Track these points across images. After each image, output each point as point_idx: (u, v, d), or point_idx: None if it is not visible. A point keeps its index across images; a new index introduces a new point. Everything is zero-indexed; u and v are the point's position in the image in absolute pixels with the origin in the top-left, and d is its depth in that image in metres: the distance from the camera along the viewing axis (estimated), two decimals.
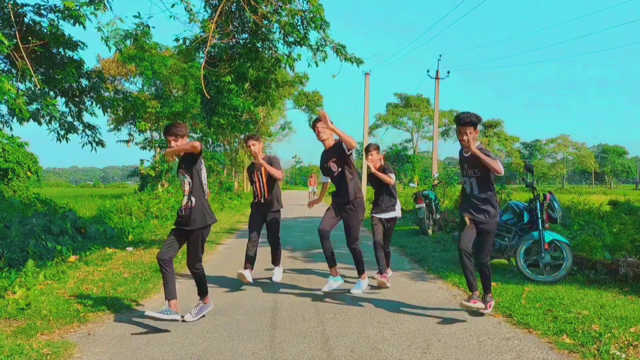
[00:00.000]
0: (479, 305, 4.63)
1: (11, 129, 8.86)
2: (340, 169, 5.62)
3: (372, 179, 6.44)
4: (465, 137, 4.58)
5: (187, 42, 8.41)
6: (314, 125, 5.69)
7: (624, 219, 10.72)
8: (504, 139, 66.65)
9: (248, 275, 6.11)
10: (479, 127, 4.73)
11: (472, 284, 4.75)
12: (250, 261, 6.25)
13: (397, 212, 6.39)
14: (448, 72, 27.90)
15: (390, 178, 6.29)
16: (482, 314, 4.90)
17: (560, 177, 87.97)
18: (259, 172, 6.30)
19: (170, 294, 4.60)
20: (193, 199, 4.59)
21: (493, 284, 6.08)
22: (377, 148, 6.48)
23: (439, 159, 34.80)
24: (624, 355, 3.72)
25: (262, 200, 6.28)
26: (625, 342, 3.96)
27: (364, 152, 6.67)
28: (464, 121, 4.56)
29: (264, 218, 6.36)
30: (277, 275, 6.45)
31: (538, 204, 6.60)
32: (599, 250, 7.28)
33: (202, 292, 4.93)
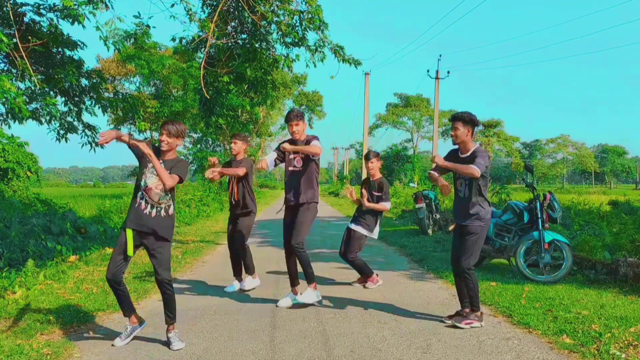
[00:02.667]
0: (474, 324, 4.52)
1: (9, 126, 8.86)
2: (303, 167, 5.22)
3: (367, 188, 6.25)
4: (453, 133, 4.56)
5: (185, 42, 8.40)
6: (288, 120, 5.22)
7: (624, 219, 10.72)
8: (504, 139, 66.68)
9: (240, 285, 6.11)
10: (478, 128, 4.67)
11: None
12: (237, 272, 6.16)
13: (366, 231, 6.17)
14: (448, 72, 28.00)
15: (385, 206, 6.14)
16: (484, 317, 4.89)
17: (560, 177, 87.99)
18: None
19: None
20: (170, 206, 4.13)
21: (493, 283, 6.09)
22: (377, 155, 6.31)
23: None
24: (624, 355, 3.72)
25: (233, 202, 6.03)
26: (625, 342, 3.96)
27: (363, 159, 6.47)
28: (453, 116, 4.59)
29: (235, 221, 6.07)
30: (237, 285, 6.10)
31: (538, 204, 6.60)
32: (599, 250, 7.28)
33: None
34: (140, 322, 4.29)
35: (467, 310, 4.58)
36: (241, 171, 5.87)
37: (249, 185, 6.05)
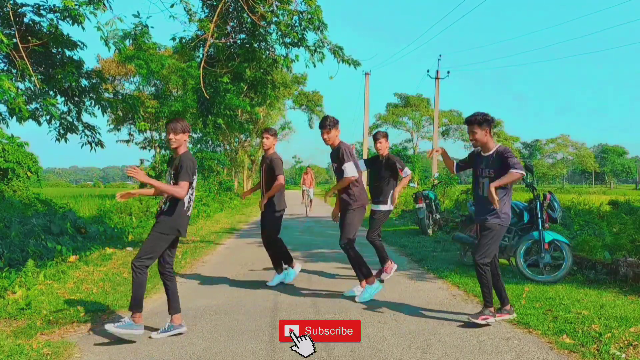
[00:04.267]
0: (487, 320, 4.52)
1: (7, 125, 8.85)
2: (338, 176, 5.57)
3: (373, 169, 6.39)
4: (471, 137, 4.60)
5: (184, 42, 8.41)
6: (321, 127, 5.56)
7: (624, 219, 10.72)
8: (504, 139, 66.66)
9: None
10: (493, 124, 4.63)
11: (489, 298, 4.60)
12: (277, 264, 6.37)
13: (387, 207, 6.29)
14: (448, 72, 28.02)
15: (407, 177, 6.40)
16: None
17: (560, 177, 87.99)
18: (262, 167, 6.28)
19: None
20: (168, 204, 4.38)
21: None
22: (386, 136, 6.43)
23: (439, 159, 34.78)
24: (624, 355, 3.72)
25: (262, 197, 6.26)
26: (625, 342, 3.96)
27: (372, 139, 6.56)
28: (467, 120, 4.61)
29: (264, 216, 6.28)
30: (279, 278, 6.38)
31: (538, 204, 6.60)
32: (599, 250, 7.27)
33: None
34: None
35: (492, 309, 4.59)
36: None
37: (280, 185, 6.15)
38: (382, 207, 6.29)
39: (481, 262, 4.52)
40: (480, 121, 4.53)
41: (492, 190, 4.38)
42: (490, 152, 4.59)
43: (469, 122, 4.59)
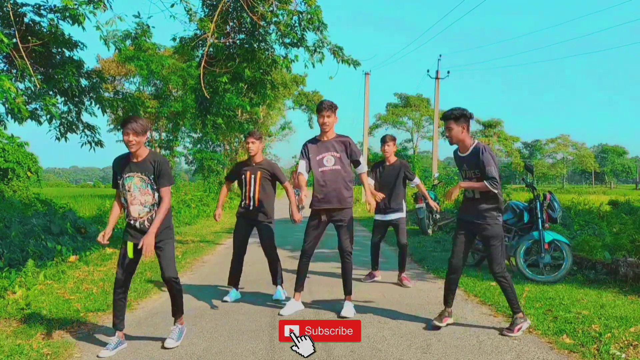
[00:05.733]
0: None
1: (5, 127, 8.82)
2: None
3: (385, 176, 6.33)
4: (447, 134, 4.30)
5: (184, 41, 8.41)
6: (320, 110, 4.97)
7: (624, 219, 10.71)
8: (504, 139, 66.61)
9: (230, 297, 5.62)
10: (472, 120, 4.35)
11: (448, 300, 4.52)
12: (235, 280, 5.73)
13: (405, 213, 6.43)
14: (448, 72, 27.92)
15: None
16: (484, 317, 4.88)
17: (560, 177, 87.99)
18: (252, 174, 5.58)
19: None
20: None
21: (493, 283, 6.08)
22: (394, 139, 6.40)
23: (439, 159, 34.75)
24: (624, 355, 3.72)
25: (251, 207, 5.60)
26: (625, 342, 3.96)
27: (380, 143, 6.43)
28: (443, 116, 4.37)
29: (252, 228, 5.73)
30: (280, 294, 5.69)
31: (538, 203, 6.60)
32: (599, 250, 7.27)
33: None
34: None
35: (520, 314, 4.36)
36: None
37: (273, 193, 5.74)
38: (404, 214, 6.39)
39: (501, 271, 4.31)
40: (456, 116, 4.25)
41: (454, 196, 4.39)
42: (468, 152, 4.33)
43: (445, 117, 4.31)
